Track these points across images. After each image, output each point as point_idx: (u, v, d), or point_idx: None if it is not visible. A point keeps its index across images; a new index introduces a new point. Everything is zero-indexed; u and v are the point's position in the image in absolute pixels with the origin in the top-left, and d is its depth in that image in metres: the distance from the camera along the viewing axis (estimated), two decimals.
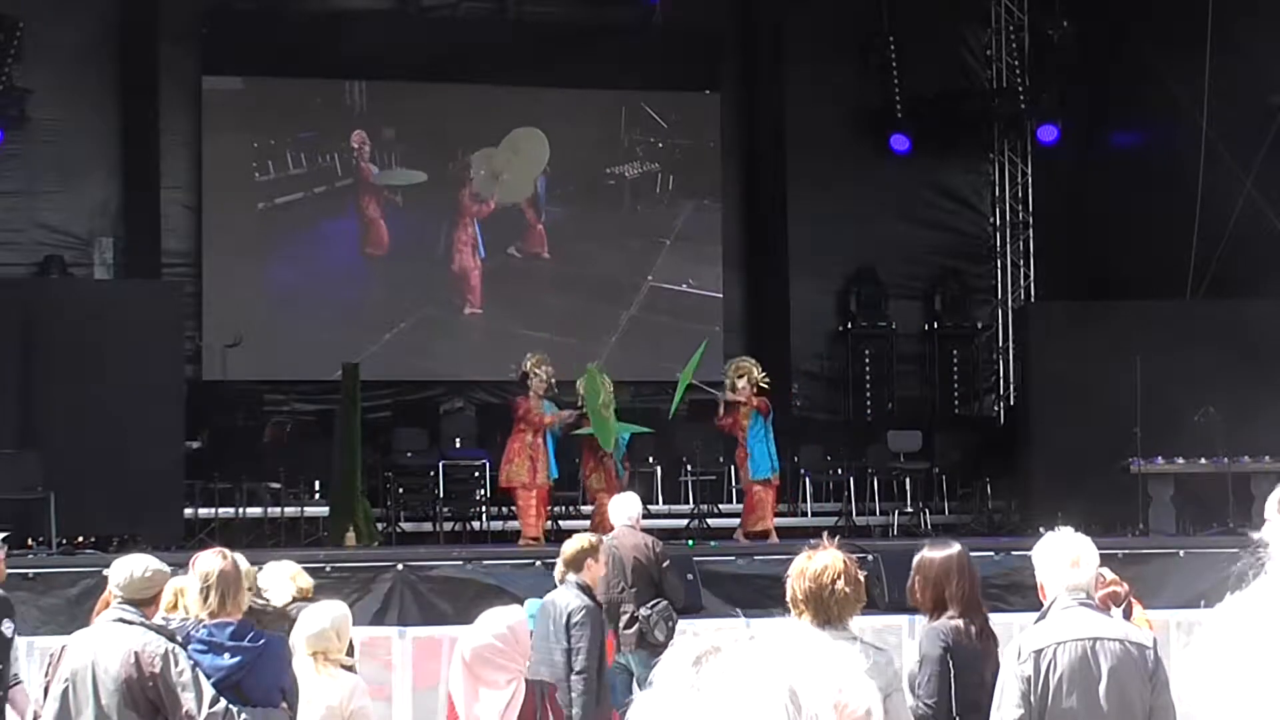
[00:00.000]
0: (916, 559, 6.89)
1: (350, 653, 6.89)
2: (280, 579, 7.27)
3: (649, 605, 11.25)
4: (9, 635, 8.37)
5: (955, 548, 6.97)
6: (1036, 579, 5.65)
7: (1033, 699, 5.34)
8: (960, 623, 6.80)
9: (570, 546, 9.47)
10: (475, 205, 19.37)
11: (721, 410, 16.03)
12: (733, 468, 17.20)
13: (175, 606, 6.77)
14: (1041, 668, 5.35)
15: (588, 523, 16.56)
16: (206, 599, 6.30)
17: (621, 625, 11.44)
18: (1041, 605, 5.67)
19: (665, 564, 11.43)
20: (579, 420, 15.60)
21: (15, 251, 18.10)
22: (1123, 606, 7.74)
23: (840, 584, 5.03)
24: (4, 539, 8.86)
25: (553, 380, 15.71)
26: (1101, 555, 5.82)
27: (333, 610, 6.80)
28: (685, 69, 20.00)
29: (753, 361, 16.24)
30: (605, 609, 11.53)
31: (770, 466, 15.89)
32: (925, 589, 6.82)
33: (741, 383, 15.92)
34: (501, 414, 18.68)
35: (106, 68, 18.44)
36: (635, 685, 11.40)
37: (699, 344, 19.42)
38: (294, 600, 7.18)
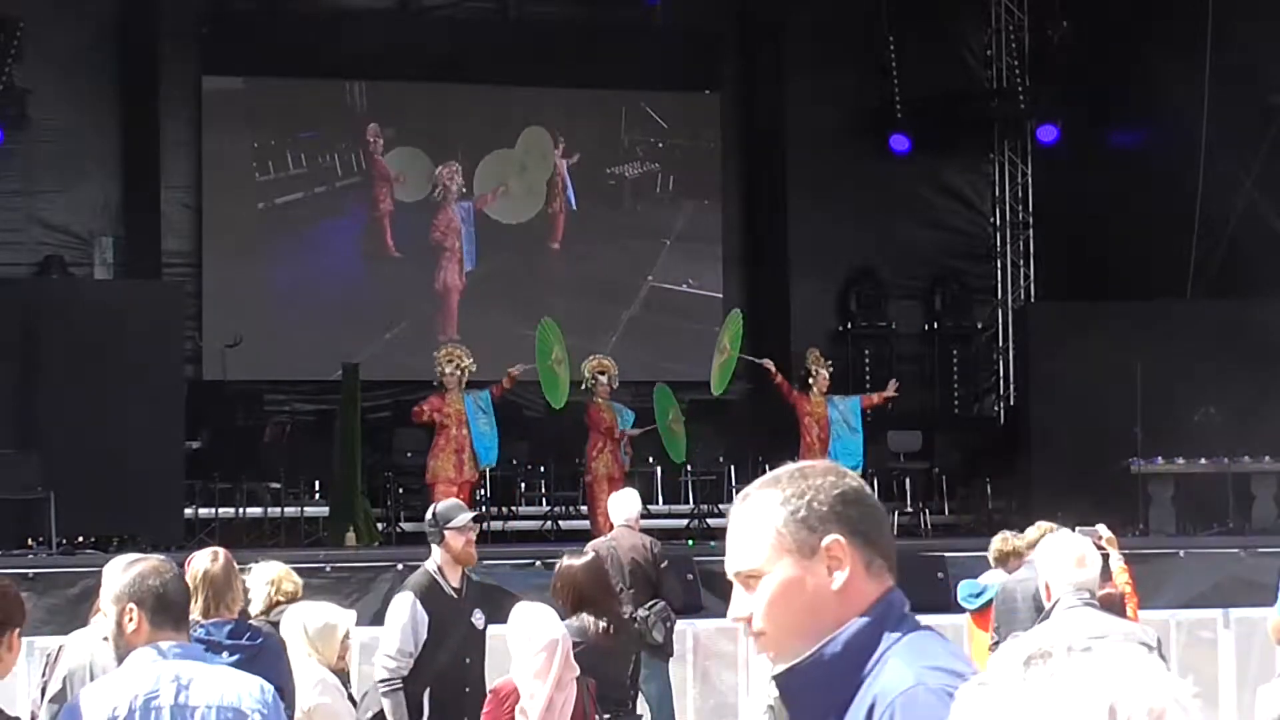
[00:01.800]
0: (558, 565, 7.95)
1: (340, 656, 6.81)
2: (259, 584, 7.19)
3: (646, 606, 11.24)
4: (480, 627, 8.09)
5: (590, 555, 8.15)
6: (1040, 579, 5.65)
7: None
8: (590, 621, 7.64)
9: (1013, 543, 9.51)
10: (457, 215, 19.34)
11: (775, 374, 16.26)
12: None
13: None
14: None
15: (587, 523, 16.61)
16: (195, 600, 6.28)
17: None
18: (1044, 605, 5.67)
19: (663, 565, 11.41)
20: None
21: (15, 251, 18.10)
22: (1115, 610, 7.78)
23: None
24: (474, 518, 8.36)
25: (465, 373, 15.43)
26: (1103, 555, 5.84)
27: (315, 618, 6.73)
28: (685, 69, 19.98)
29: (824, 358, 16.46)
30: None
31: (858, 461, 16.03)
32: (564, 592, 7.77)
33: (825, 373, 16.17)
34: (501, 414, 18.68)
35: (106, 68, 18.44)
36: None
37: (701, 342, 19.41)
38: (274, 605, 7.12)
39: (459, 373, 15.31)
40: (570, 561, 7.96)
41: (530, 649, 7.12)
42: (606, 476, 15.56)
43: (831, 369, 16.40)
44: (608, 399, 15.93)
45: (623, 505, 11.77)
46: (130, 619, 4.02)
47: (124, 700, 3.90)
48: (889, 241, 20.14)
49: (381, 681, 8.00)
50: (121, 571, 4.16)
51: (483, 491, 16.88)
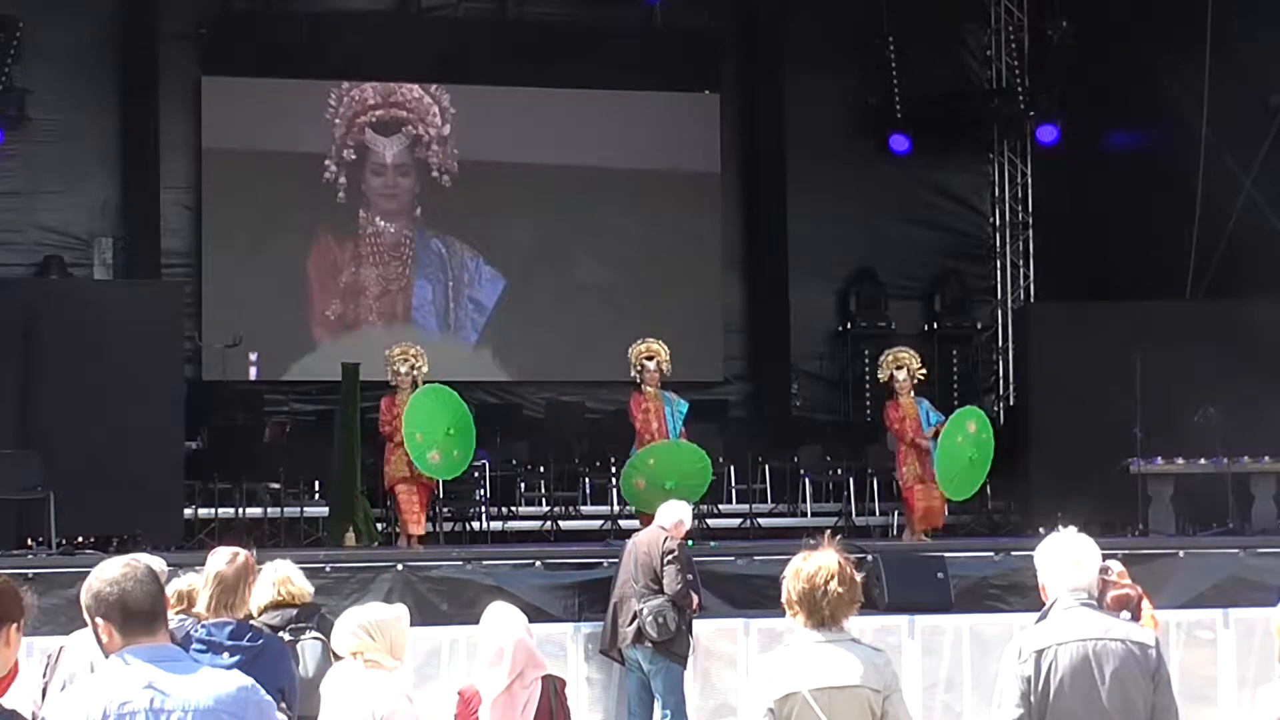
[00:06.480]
0: None
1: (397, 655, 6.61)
2: (264, 583, 7.11)
3: (645, 600, 11.31)
4: None
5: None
6: (1038, 579, 5.65)
7: (1033, 699, 5.34)
8: None
9: None
10: None
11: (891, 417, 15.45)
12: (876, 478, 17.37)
13: (181, 606, 6.71)
14: (1042, 668, 5.35)
15: (592, 523, 16.59)
16: (204, 598, 6.27)
17: (625, 620, 11.46)
18: (1042, 606, 5.66)
19: (667, 556, 11.41)
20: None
21: (15, 251, 18.11)
22: (1131, 610, 7.76)
23: (833, 585, 5.01)
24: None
25: (418, 374, 14.84)
26: (1103, 555, 5.82)
27: (373, 613, 6.59)
28: (685, 69, 19.98)
29: (910, 351, 15.85)
30: (617, 605, 11.56)
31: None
32: None
33: (902, 374, 15.46)
34: (501, 414, 18.70)
35: (106, 68, 18.44)
36: (639, 682, 11.45)
37: (700, 343, 19.42)
38: (274, 605, 7.06)
39: (414, 373, 15.01)
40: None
41: (489, 646, 7.15)
42: None
43: (918, 369, 15.60)
44: (657, 387, 14.73)
45: (665, 511, 11.82)
46: (104, 633, 3.95)
47: (96, 710, 3.82)
48: (889, 242, 20.14)
49: None
50: (86, 585, 4.02)
51: (481, 492, 16.87)
